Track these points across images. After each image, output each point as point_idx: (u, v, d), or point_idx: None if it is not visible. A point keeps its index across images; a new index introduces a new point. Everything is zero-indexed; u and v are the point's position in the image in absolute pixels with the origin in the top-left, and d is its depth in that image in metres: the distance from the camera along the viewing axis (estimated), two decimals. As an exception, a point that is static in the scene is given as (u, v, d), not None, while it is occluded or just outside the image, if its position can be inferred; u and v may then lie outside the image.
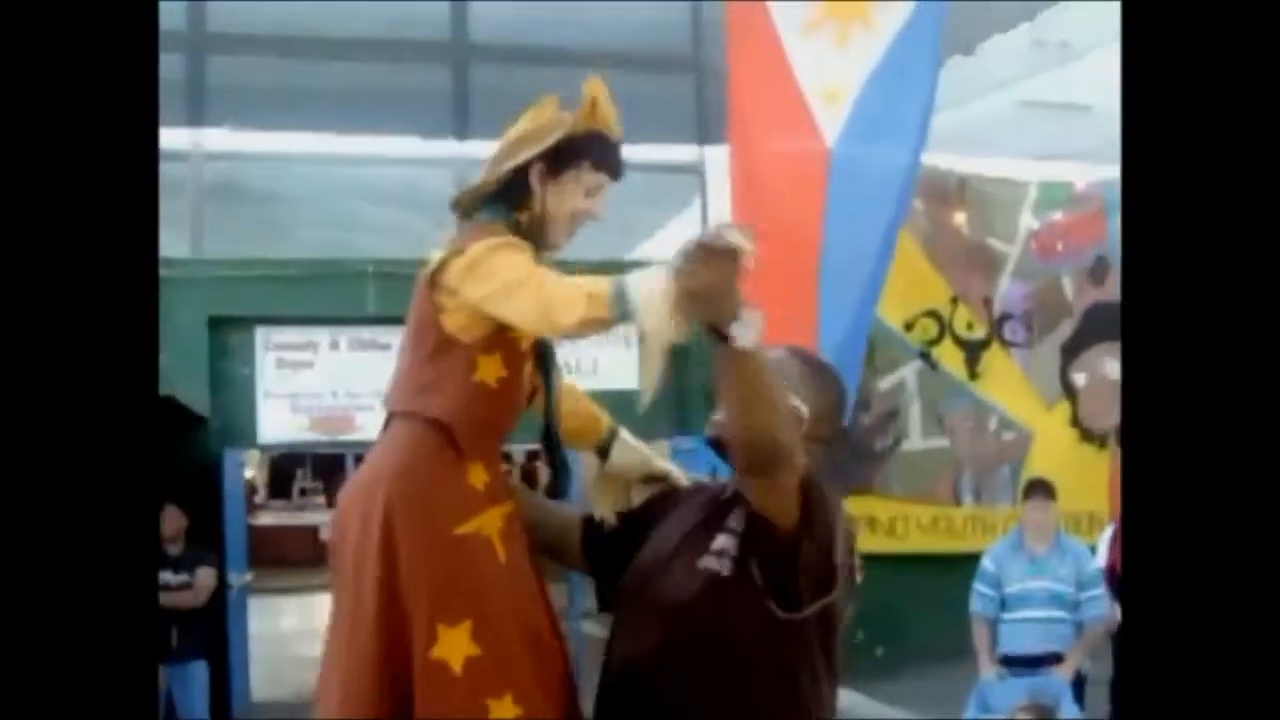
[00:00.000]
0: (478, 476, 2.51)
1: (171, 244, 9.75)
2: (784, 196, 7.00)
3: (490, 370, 2.52)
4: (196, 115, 10.74)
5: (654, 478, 2.86)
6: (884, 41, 6.97)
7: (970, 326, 10.86)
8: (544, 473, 12.74)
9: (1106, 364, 10.95)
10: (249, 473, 18.38)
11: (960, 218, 10.86)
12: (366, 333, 10.53)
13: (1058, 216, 11.18)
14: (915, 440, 10.83)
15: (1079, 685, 7.00)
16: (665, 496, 2.81)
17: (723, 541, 2.49)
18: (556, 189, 2.57)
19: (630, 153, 2.64)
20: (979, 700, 6.92)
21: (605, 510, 2.80)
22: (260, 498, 24.61)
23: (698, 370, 8.21)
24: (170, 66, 10.01)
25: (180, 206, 10.36)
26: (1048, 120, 11.72)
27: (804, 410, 2.50)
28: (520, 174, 2.56)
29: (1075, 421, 11.08)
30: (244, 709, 9.96)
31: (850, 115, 6.95)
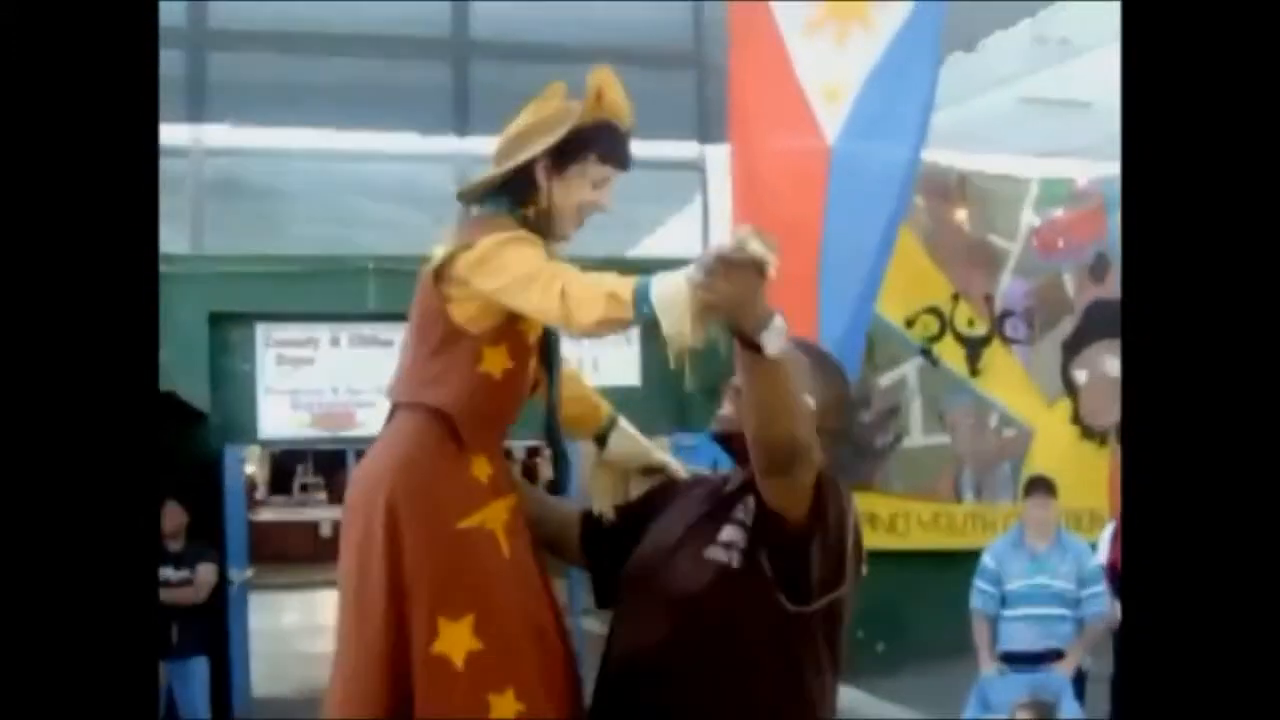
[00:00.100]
0: (481, 469, 2.50)
1: (172, 240, 9.75)
2: (785, 194, 7.01)
3: (496, 362, 2.52)
4: (197, 111, 10.75)
5: (652, 469, 2.85)
6: (884, 40, 6.99)
7: (971, 323, 10.87)
8: (545, 468, 12.74)
9: (1107, 361, 10.95)
10: (249, 469, 18.38)
11: (961, 214, 10.86)
12: (367, 329, 10.54)
13: (1059, 213, 11.18)
14: (916, 437, 10.83)
15: (1079, 682, 7.01)
16: (664, 489, 2.80)
17: (730, 533, 2.48)
18: (563, 183, 2.56)
19: (631, 149, 2.62)
20: (979, 697, 6.92)
21: (603, 503, 2.79)
22: (261, 494, 24.61)
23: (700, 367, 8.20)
24: (170, 63, 10.02)
25: (180, 202, 10.37)
26: (1048, 117, 11.73)
27: (811, 403, 2.48)
28: (526, 168, 2.55)
29: (1076, 419, 11.08)
30: (245, 705, 9.96)
31: (850, 113, 6.97)
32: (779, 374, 2.21)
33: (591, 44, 9.89)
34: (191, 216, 10.62)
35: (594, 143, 2.54)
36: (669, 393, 9.19)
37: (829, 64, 7.03)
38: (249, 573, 10.31)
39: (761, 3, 7.18)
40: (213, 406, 10.07)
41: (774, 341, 2.15)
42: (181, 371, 8.90)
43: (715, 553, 2.47)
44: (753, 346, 2.16)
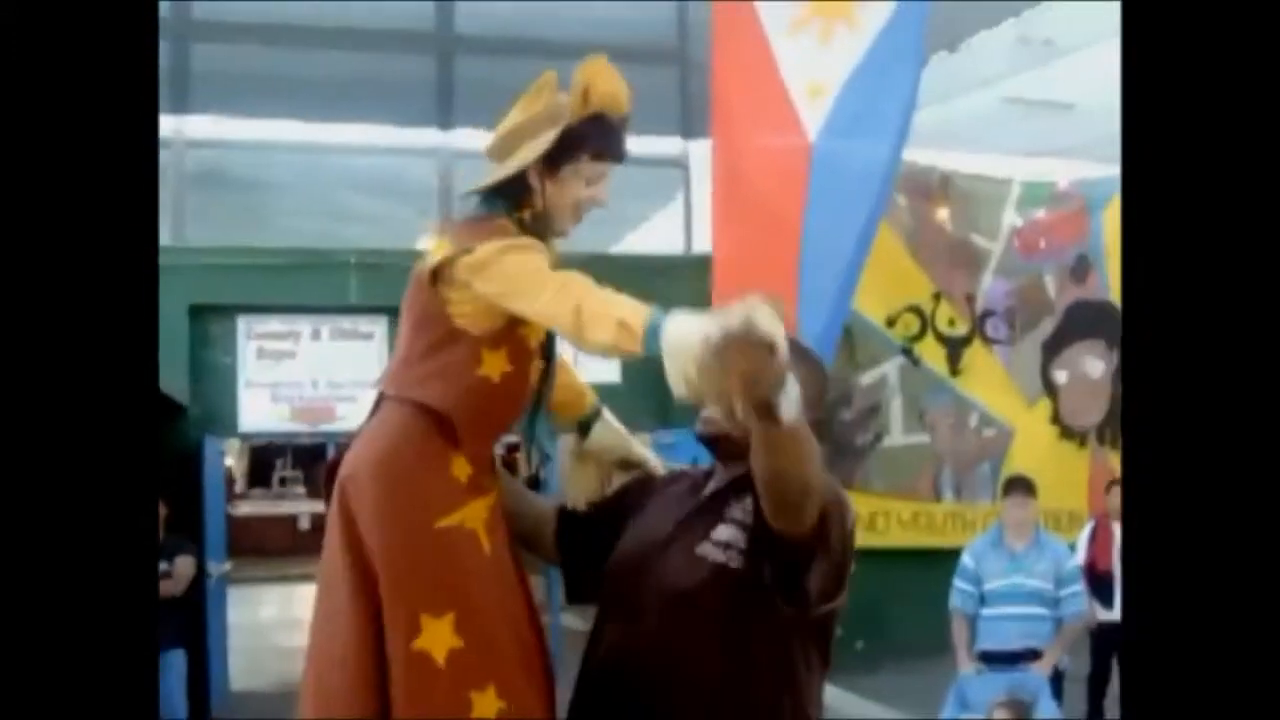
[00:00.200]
0: (461, 469, 2.49)
1: (153, 231, 9.72)
2: (766, 190, 7.03)
3: (494, 365, 2.50)
4: (180, 103, 10.72)
5: (631, 463, 2.84)
6: (868, 39, 7.01)
7: (952, 323, 10.90)
8: (524, 465, 12.69)
9: (1087, 362, 11.01)
10: (229, 462, 18.36)
11: (943, 214, 10.90)
12: (348, 322, 10.53)
13: (1041, 214, 11.23)
14: (896, 436, 10.87)
15: (1057, 681, 7.03)
16: (640, 484, 2.79)
17: (727, 533, 2.47)
18: (556, 183, 2.54)
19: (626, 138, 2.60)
20: (957, 696, 6.94)
21: (578, 494, 2.78)
22: (240, 487, 24.58)
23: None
24: (153, 53, 9.98)
25: (162, 194, 10.33)
26: (1031, 118, 11.78)
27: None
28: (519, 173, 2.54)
29: (1056, 419, 11.13)
30: (222, 699, 9.94)
31: (832, 111, 6.99)
32: (791, 435, 2.16)
33: (575, 39, 9.88)
34: (173, 208, 10.59)
35: (585, 140, 2.52)
36: (650, 390, 9.16)
37: (812, 62, 7.05)
38: (227, 566, 10.29)
39: (746, 1, 7.20)
40: (192, 399, 10.05)
41: (787, 409, 2.09)
42: (162, 363, 8.81)
43: (710, 551, 2.46)
44: (767, 416, 2.09)
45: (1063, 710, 6.95)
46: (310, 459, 23.69)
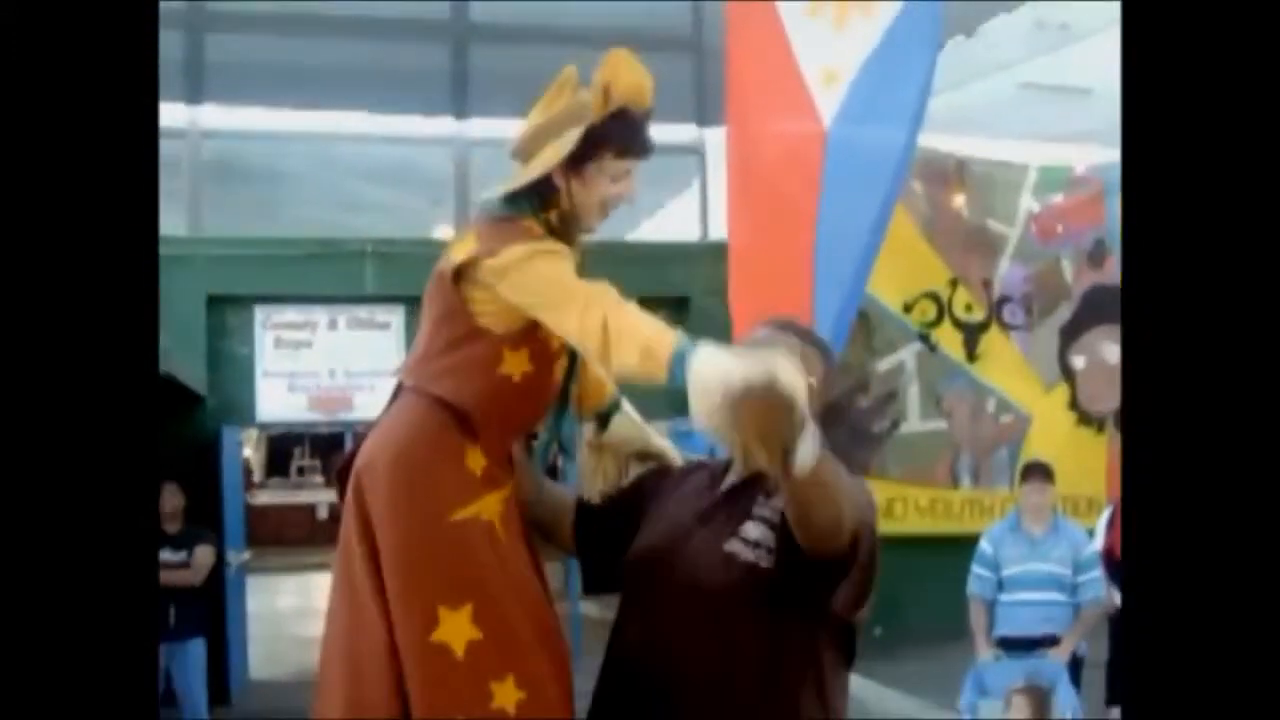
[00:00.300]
0: (476, 461, 2.48)
1: (169, 222, 9.74)
2: (781, 176, 7.01)
3: (516, 365, 2.49)
4: (194, 93, 10.74)
5: (649, 455, 2.83)
6: (883, 24, 6.97)
7: (969, 309, 10.87)
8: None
9: (1105, 347, 10.97)
10: (247, 452, 18.41)
11: (960, 200, 10.87)
12: (364, 311, 10.55)
13: (1058, 199, 11.19)
14: (913, 422, 10.85)
15: (1075, 667, 7.01)
16: (657, 475, 2.77)
17: (756, 532, 2.45)
18: (581, 183, 2.51)
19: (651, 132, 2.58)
20: (975, 681, 6.93)
21: (594, 485, 2.78)
22: (258, 476, 24.66)
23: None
24: (168, 44, 9.99)
25: (178, 184, 10.37)
26: (1048, 103, 11.72)
27: (812, 382, 2.42)
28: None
29: (1074, 404, 11.10)
30: (241, 687, 9.99)
31: (847, 97, 6.96)
32: (815, 480, 2.13)
33: (590, 28, 9.88)
34: (189, 199, 10.62)
35: (608, 139, 2.48)
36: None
37: (827, 48, 7.02)
38: (246, 555, 10.34)
39: (761, -14, 7.18)
40: (210, 389, 10.09)
41: (804, 457, 2.06)
42: (179, 354, 8.90)
43: (740, 549, 2.45)
44: (784, 466, 2.07)
45: (1081, 696, 6.94)
46: (328, 448, 23.74)
